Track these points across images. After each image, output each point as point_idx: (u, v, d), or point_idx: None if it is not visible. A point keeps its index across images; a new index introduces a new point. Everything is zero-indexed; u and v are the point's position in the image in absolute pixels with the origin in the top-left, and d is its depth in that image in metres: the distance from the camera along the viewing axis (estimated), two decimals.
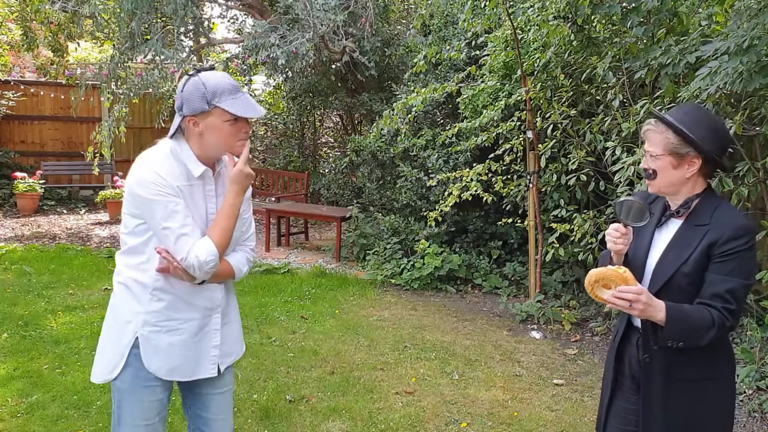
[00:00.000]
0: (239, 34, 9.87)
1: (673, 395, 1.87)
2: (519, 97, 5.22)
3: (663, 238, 1.93)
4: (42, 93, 11.08)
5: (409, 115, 6.25)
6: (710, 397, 1.87)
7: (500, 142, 5.53)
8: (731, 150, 1.92)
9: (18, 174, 9.86)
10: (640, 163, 2.52)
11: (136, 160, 1.98)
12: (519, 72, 5.17)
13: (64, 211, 10.12)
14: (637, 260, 1.95)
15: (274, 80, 10.30)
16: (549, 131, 5.18)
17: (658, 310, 1.76)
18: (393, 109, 5.95)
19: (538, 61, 5.09)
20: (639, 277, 1.89)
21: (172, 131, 2.00)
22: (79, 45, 12.86)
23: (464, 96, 5.81)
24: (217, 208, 2.04)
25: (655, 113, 1.91)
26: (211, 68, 2.01)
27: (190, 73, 1.97)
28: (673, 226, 1.92)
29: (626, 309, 1.77)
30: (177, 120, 1.98)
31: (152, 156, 1.97)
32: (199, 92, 1.91)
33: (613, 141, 4.38)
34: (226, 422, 2.22)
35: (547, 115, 5.15)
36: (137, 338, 1.99)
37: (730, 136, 2.02)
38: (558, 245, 5.16)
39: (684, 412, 1.87)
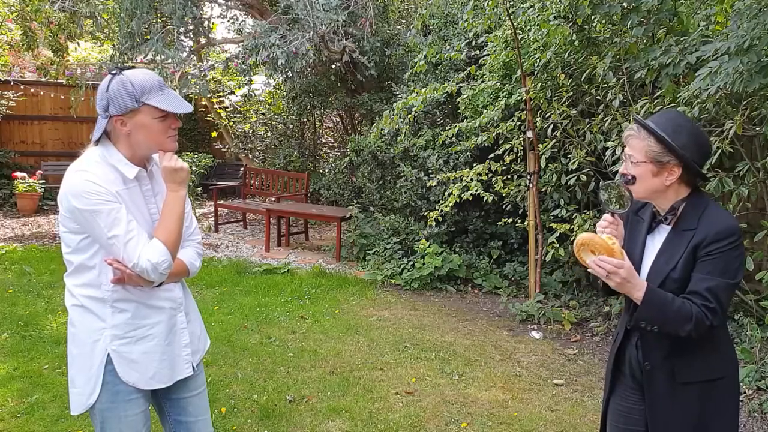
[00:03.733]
0: (239, 34, 9.86)
1: (680, 399, 1.87)
2: (519, 97, 5.21)
3: (654, 245, 1.94)
4: (42, 93, 11.10)
5: (409, 115, 6.25)
6: (718, 396, 1.88)
7: (500, 142, 5.53)
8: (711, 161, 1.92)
9: (18, 174, 9.87)
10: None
11: (66, 173, 1.88)
12: (519, 72, 5.17)
13: None
14: None
15: (274, 80, 10.29)
16: (549, 131, 5.18)
17: (638, 289, 1.78)
18: (393, 109, 5.95)
19: (538, 61, 5.09)
20: None
21: (96, 136, 1.91)
22: (79, 45, 12.83)
23: (464, 96, 5.80)
24: (159, 207, 1.99)
25: (637, 119, 1.90)
26: (132, 66, 1.95)
27: (113, 71, 1.90)
28: (663, 232, 1.93)
29: (604, 278, 1.80)
30: (102, 123, 1.90)
31: (82, 166, 1.87)
32: (127, 90, 1.85)
33: (613, 141, 4.38)
34: (206, 423, 2.21)
35: (547, 115, 5.15)
36: (108, 355, 1.93)
37: (711, 145, 2.01)
38: (558, 245, 5.16)
39: (693, 413, 1.87)
